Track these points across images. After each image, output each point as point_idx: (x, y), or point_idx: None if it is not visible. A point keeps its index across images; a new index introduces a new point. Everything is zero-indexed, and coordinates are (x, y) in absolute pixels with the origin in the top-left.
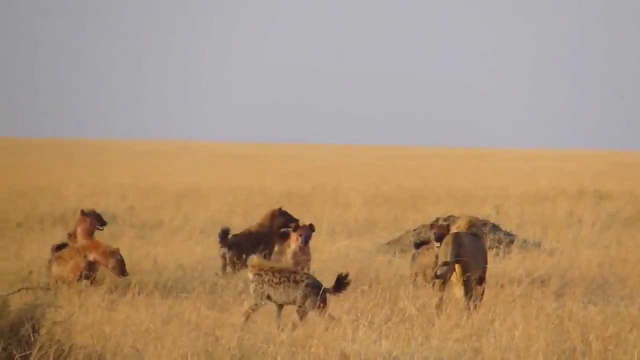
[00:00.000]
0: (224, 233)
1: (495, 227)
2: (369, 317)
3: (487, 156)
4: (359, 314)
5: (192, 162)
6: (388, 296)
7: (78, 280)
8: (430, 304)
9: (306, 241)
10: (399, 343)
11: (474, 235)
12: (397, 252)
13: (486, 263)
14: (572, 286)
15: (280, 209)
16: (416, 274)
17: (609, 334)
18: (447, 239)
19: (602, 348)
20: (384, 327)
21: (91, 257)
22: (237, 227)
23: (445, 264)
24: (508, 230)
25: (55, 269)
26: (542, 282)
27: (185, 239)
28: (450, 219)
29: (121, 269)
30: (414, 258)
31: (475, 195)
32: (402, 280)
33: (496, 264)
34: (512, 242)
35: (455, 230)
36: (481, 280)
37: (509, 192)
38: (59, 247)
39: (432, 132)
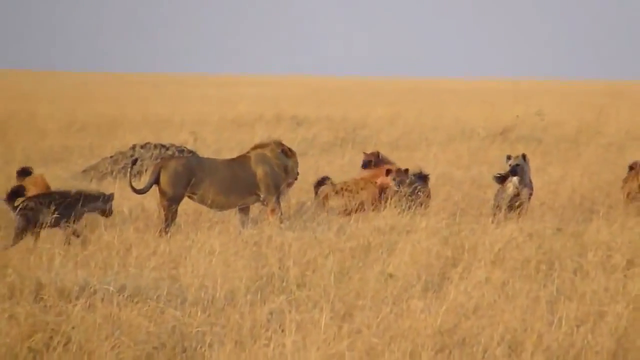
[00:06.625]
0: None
1: (193, 153)
2: (65, 246)
3: (185, 82)
4: (54, 243)
5: None
6: (85, 224)
7: None
8: (127, 231)
9: None
10: (96, 272)
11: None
12: (93, 180)
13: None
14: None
15: None
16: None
17: (307, 260)
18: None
19: (299, 273)
20: (80, 256)
21: None
22: None
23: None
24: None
25: None
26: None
27: None
28: (147, 146)
29: None
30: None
31: (173, 122)
32: None
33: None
34: None
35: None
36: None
37: (206, 118)
38: None
39: (123, 58)
